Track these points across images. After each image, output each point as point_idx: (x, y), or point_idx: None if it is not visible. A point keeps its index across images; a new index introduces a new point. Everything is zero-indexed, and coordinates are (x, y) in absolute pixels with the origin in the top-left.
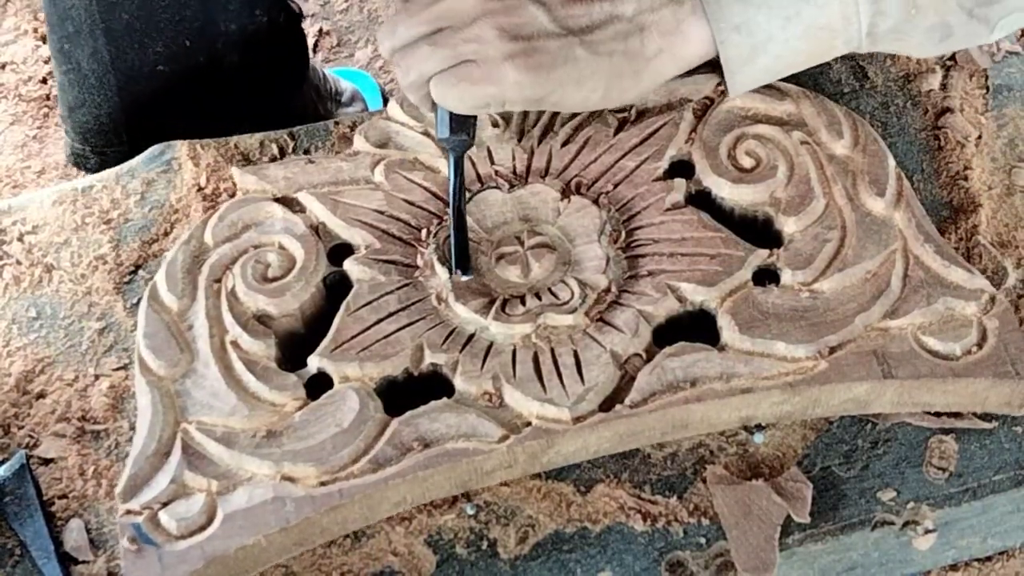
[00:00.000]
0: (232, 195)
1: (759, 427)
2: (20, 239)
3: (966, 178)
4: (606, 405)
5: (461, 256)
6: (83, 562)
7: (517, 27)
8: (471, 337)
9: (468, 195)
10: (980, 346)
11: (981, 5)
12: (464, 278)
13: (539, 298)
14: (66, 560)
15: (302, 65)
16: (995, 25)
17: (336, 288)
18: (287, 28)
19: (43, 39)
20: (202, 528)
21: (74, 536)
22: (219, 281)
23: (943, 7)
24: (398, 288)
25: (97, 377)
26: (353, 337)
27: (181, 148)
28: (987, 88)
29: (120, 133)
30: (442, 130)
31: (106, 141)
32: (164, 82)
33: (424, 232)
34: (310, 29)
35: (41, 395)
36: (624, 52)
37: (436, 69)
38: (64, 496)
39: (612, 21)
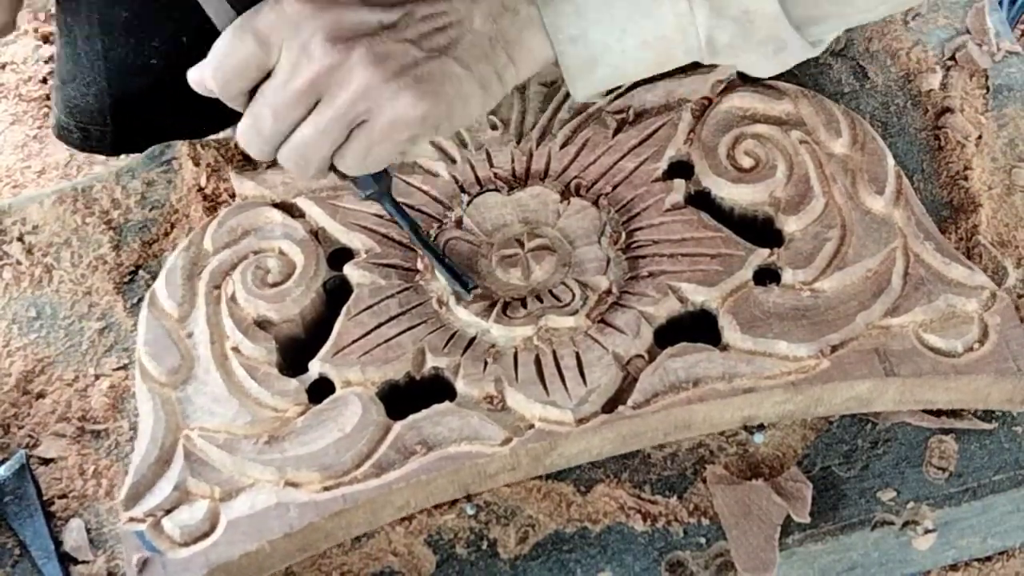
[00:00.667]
0: (233, 195)
1: (759, 427)
2: (20, 239)
3: (966, 178)
4: (609, 406)
5: (457, 279)
6: (83, 562)
7: (389, 62)
8: (472, 340)
9: (468, 198)
10: (982, 343)
11: (804, 26)
12: (473, 293)
13: (540, 300)
14: (66, 560)
15: None
16: (821, 40)
17: (336, 293)
18: None
19: (44, 39)
20: (205, 535)
21: (74, 536)
22: (219, 287)
23: (775, 24)
24: (399, 292)
25: (97, 377)
26: (354, 341)
27: (181, 148)
28: (987, 88)
29: (105, 115)
30: (364, 187)
31: (90, 119)
32: (155, 75)
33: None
34: None
35: (41, 395)
36: (487, 62)
37: (332, 148)
38: (64, 496)
39: (465, 35)
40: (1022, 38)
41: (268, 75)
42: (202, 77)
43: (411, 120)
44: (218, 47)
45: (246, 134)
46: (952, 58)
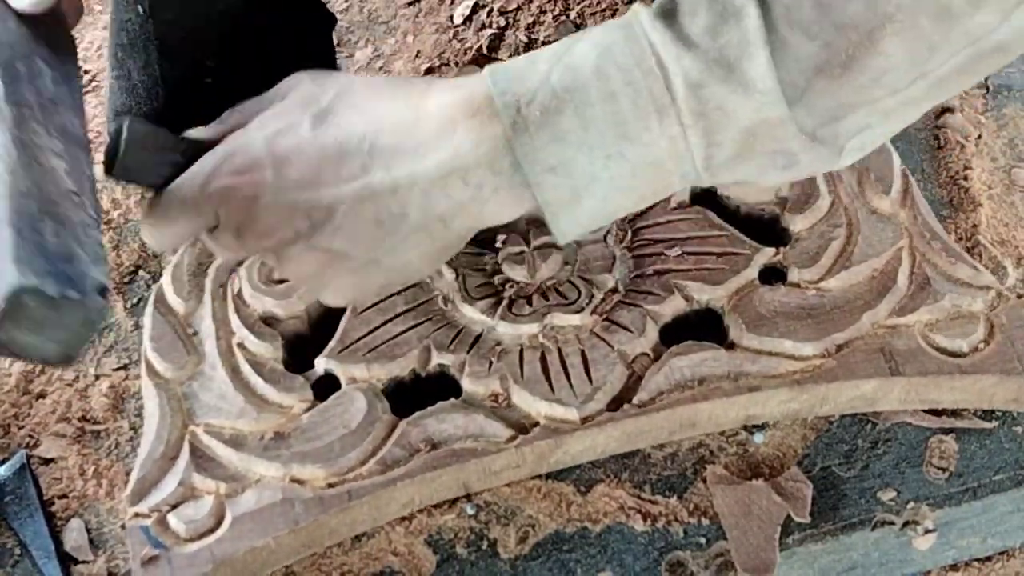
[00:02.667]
0: None
1: (759, 427)
2: None
3: (966, 178)
4: (614, 404)
5: None
6: (83, 562)
7: (302, 262)
8: (478, 337)
9: None
10: (987, 342)
11: (823, 126)
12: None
13: (546, 298)
14: (66, 560)
15: (334, 68)
16: (843, 147)
17: None
18: (324, 33)
19: None
20: (211, 531)
21: (74, 536)
22: (225, 284)
23: (782, 133)
24: (404, 289)
25: (97, 377)
26: (360, 338)
27: None
28: (987, 88)
29: None
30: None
31: None
32: (210, 94)
33: None
34: None
35: (41, 395)
36: (434, 247)
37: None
38: (64, 496)
39: (402, 232)
40: None
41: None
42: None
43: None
44: (155, 212)
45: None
46: None
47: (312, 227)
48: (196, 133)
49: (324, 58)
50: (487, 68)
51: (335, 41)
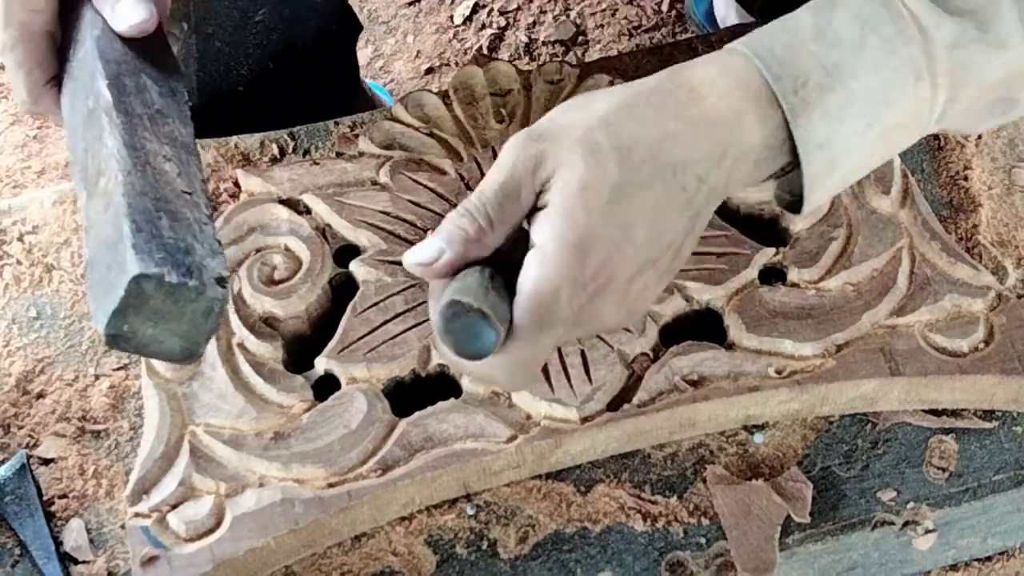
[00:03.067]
0: (233, 195)
1: (759, 427)
2: (20, 239)
3: (966, 178)
4: (614, 404)
5: None
6: (83, 562)
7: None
8: None
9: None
10: (987, 343)
11: None
12: None
13: None
14: (66, 560)
15: (357, 75)
16: None
17: (342, 289)
18: (351, 37)
19: None
20: (211, 530)
21: (74, 536)
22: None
23: (1017, 82)
24: (404, 289)
25: (97, 377)
26: (360, 338)
27: None
28: None
29: None
30: None
31: None
32: (243, 102)
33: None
34: None
35: (41, 395)
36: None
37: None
38: (64, 496)
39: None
40: None
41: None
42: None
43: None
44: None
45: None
46: None
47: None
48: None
49: (347, 64)
50: (746, 46)
51: None
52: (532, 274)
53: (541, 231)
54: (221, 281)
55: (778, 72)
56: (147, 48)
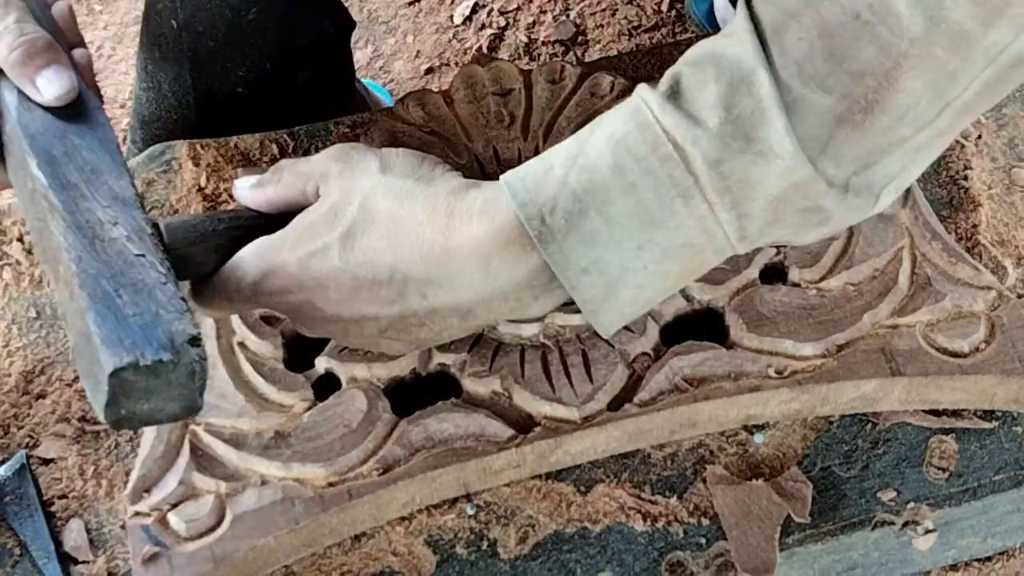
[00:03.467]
0: (232, 195)
1: (759, 427)
2: (20, 239)
3: (966, 178)
4: (615, 404)
5: None
6: (83, 562)
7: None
8: (479, 337)
9: None
10: (988, 343)
11: (855, 175)
12: None
13: None
14: (66, 560)
15: (352, 74)
16: (879, 195)
17: None
18: (345, 37)
19: None
20: (211, 529)
21: (74, 536)
22: None
23: (812, 192)
24: None
25: None
26: None
27: (181, 148)
28: None
29: None
30: None
31: None
32: (240, 101)
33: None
34: None
35: (41, 395)
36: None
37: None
38: (64, 496)
39: (446, 332)
40: None
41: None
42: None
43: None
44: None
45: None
46: None
47: (360, 329)
48: (237, 204)
49: (341, 63)
50: (503, 179)
51: None
52: (241, 253)
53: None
54: (194, 341)
55: (524, 199)
56: (68, 106)
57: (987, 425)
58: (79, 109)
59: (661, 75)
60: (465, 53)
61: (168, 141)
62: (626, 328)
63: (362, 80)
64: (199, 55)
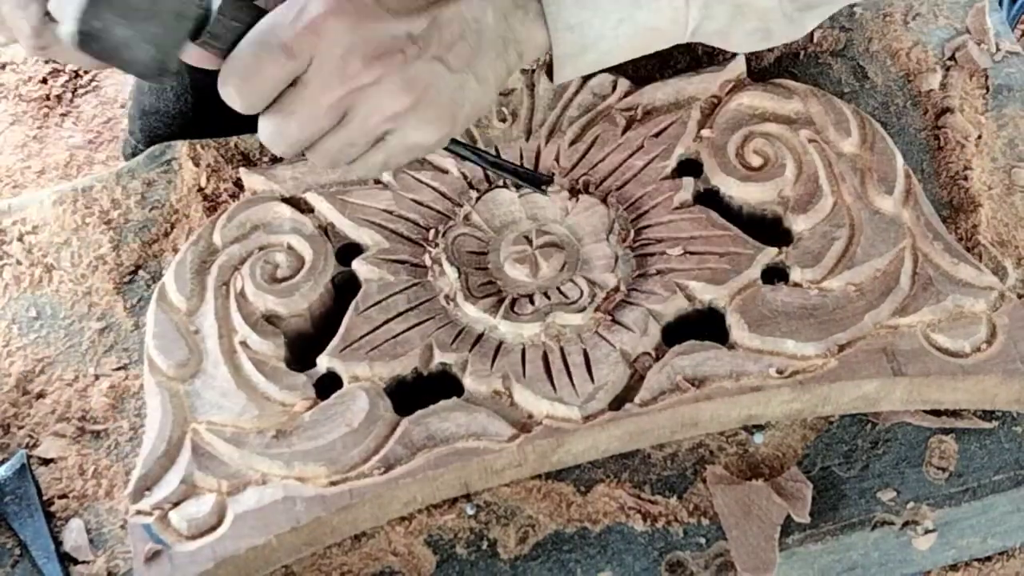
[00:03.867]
0: (233, 195)
1: (759, 427)
2: (20, 239)
3: (966, 178)
4: (616, 404)
5: (531, 182)
6: (83, 562)
7: (417, 87)
8: (480, 336)
9: (477, 195)
10: (990, 343)
11: (800, 10)
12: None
13: (548, 297)
14: (66, 560)
15: None
16: (806, 26)
17: (345, 288)
18: None
19: None
20: (212, 528)
21: (74, 536)
22: (228, 282)
23: (767, 16)
24: (407, 288)
25: (97, 377)
26: (362, 337)
27: (181, 148)
28: (987, 88)
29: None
30: None
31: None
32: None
33: (432, 232)
34: None
35: (41, 395)
36: (502, 62)
37: (356, 156)
38: (64, 496)
39: (484, 38)
40: (1022, 38)
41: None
42: (226, 93)
43: (431, 144)
44: (241, 65)
45: (271, 139)
46: (952, 58)
47: (412, 41)
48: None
49: None
50: None
51: None
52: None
53: None
54: None
55: None
56: None
57: (987, 425)
58: None
59: (662, 76)
60: None
61: (166, 133)
62: (627, 328)
63: None
64: None
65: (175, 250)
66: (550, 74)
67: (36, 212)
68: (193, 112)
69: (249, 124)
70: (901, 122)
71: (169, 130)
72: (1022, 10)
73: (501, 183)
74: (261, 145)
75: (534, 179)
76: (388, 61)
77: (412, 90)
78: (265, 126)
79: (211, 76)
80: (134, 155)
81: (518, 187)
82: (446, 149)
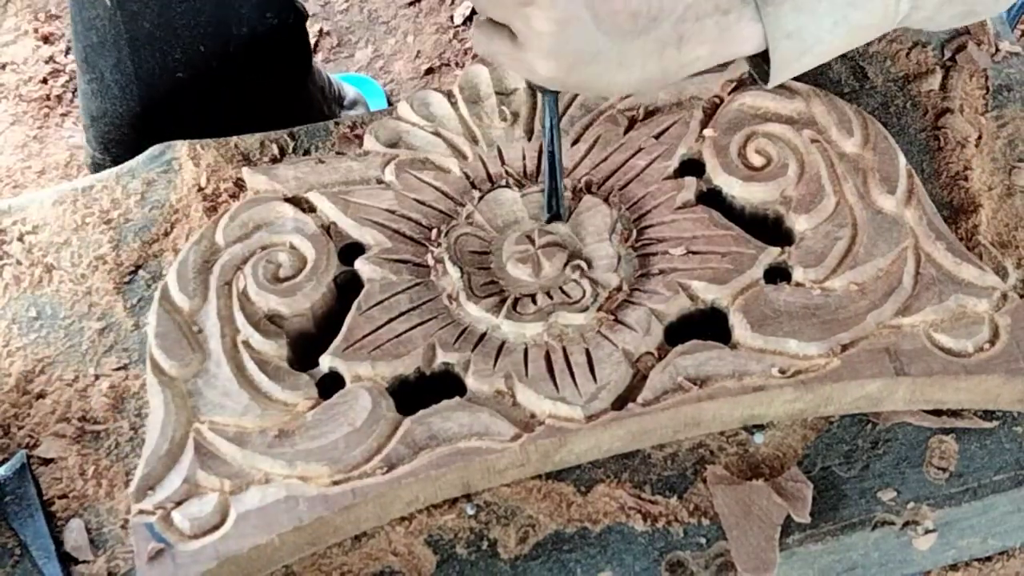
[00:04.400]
0: (233, 195)
1: (759, 427)
2: (20, 239)
3: (966, 178)
4: (619, 403)
5: (551, 199)
6: (83, 562)
7: (559, 21)
8: (483, 336)
9: (480, 194)
10: (992, 343)
11: None
12: (552, 224)
13: (550, 297)
14: (66, 560)
15: (307, 64)
16: None
17: (347, 288)
18: (294, 28)
19: (44, 39)
20: (215, 528)
21: (74, 536)
22: (230, 282)
23: None
24: (409, 287)
25: (97, 377)
26: (365, 336)
27: (181, 148)
28: (987, 88)
29: (140, 142)
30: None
31: (126, 149)
32: (181, 88)
33: (435, 231)
34: (310, 29)
35: (41, 395)
36: (659, 60)
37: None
38: (64, 496)
39: (652, 27)
40: (1022, 38)
41: None
42: None
43: (542, 80)
44: None
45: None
46: (952, 58)
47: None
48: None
49: (299, 53)
50: None
51: (336, 41)
52: None
53: None
54: None
55: None
56: None
57: (988, 425)
58: None
59: None
60: (465, 53)
61: (118, 136)
62: (630, 327)
63: (348, 76)
64: (135, 36)
65: (175, 250)
66: (761, 77)
67: (36, 212)
68: (141, 109)
69: (196, 119)
70: (901, 122)
71: (120, 132)
72: (1022, 10)
73: (503, 183)
74: (261, 145)
75: (555, 206)
76: None
77: (556, 16)
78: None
79: (152, 64)
80: (94, 165)
81: (521, 186)
82: (545, 103)
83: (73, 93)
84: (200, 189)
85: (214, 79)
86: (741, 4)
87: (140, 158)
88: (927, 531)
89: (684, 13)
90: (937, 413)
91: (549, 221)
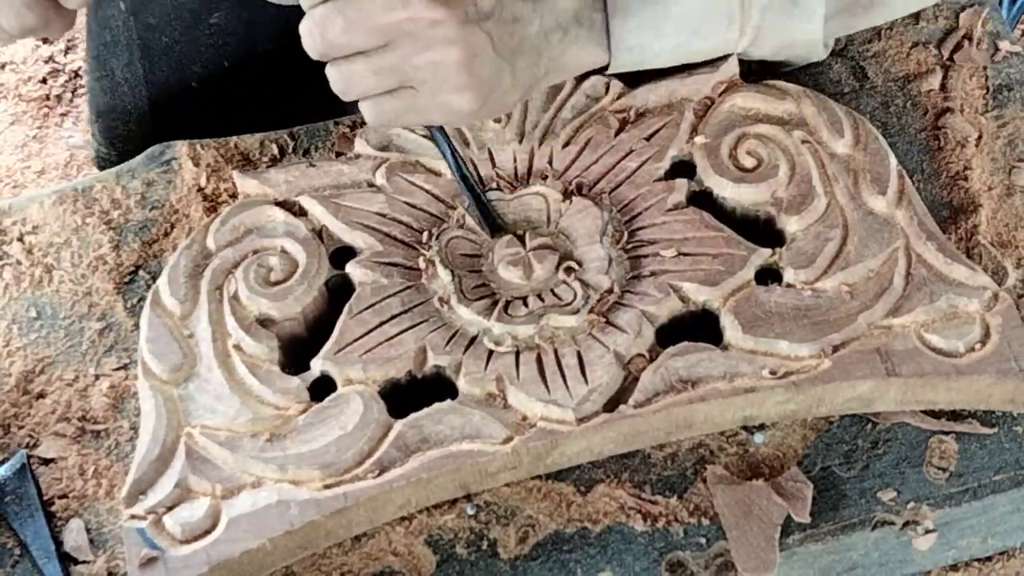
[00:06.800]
0: (233, 195)
1: (759, 427)
2: (20, 239)
3: (966, 178)
4: (610, 406)
5: (484, 218)
6: (83, 562)
7: (468, 49)
8: (474, 339)
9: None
10: (983, 343)
11: (833, 40)
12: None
13: (542, 299)
14: (66, 560)
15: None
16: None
17: (338, 291)
18: None
19: (43, 39)
20: (207, 532)
21: (74, 536)
22: (221, 286)
23: (810, 49)
24: (401, 291)
25: (97, 377)
26: (356, 340)
27: (181, 148)
28: (987, 88)
29: (147, 139)
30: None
31: (133, 146)
32: (196, 97)
33: (426, 235)
34: None
35: (41, 395)
36: (532, 72)
37: (375, 92)
38: (64, 496)
39: (526, 41)
40: (1022, 38)
41: None
42: None
43: (457, 113)
44: None
45: (308, 32)
46: (952, 58)
47: (475, 4)
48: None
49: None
50: None
51: None
52: None
53: None
54: None
55: None
56: None
57: (988, 430)
58: None
59: (655, 77)
60: None
61: (124, 132)
62: (621, 329)
63: None
64: (150, 47)
65: (175, 250)
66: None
67: (36, 212)
68: (150, 108)
69: (208, 120)
70: (901, 122)
71: (127, 128)
72: (1022, 10)
73: (494, 185)
74: (261, 145)
75: (491, 220)
76: (452, 11)
77: (464, 49)
78: (314, 13)
79: (166, 72)
80: (99, 160)
81: (512, 189)
82: (435, 135)
83: (73, 93)
84: (200, 189)
85: (230, 88)
86: (577, 25)
87: (140, 158)
88: (927, 531)
89: (540, 28)
90: (937, 416)
91: (494, 236)
